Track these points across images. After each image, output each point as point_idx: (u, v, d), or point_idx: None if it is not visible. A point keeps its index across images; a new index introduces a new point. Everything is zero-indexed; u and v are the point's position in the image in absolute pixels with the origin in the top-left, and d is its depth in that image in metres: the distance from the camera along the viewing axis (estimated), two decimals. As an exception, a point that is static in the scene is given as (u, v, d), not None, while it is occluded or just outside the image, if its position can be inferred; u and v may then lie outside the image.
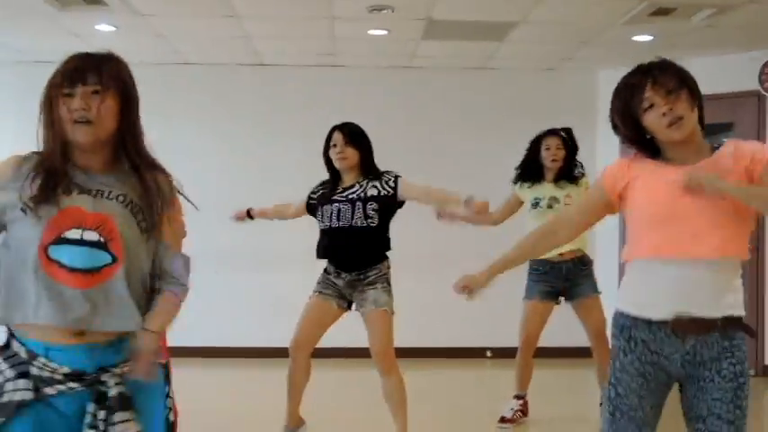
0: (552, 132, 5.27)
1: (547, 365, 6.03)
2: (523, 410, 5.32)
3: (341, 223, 4.30)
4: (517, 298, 7.35)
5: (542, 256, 4.83)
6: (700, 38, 6.43)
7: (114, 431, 2.00)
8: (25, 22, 6.23)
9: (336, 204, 4.36)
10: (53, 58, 8.26)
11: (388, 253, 4.43)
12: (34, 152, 2.14)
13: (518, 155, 7.55)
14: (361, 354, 4.84)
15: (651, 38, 6.48)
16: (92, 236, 2.01)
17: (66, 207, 2.01)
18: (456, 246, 6.87)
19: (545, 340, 5.48)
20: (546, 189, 5.17)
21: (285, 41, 6.91)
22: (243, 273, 7.50)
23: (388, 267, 4.41)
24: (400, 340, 4.60)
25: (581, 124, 7.61)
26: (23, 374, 1.99)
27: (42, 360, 1.99)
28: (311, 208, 4.54)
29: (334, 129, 4.46)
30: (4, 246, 2.07)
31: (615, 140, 8.01)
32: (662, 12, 5.76)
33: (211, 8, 5.80)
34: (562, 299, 5.27)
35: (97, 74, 2.10)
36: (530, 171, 5.25)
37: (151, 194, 2.12)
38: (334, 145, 4.41)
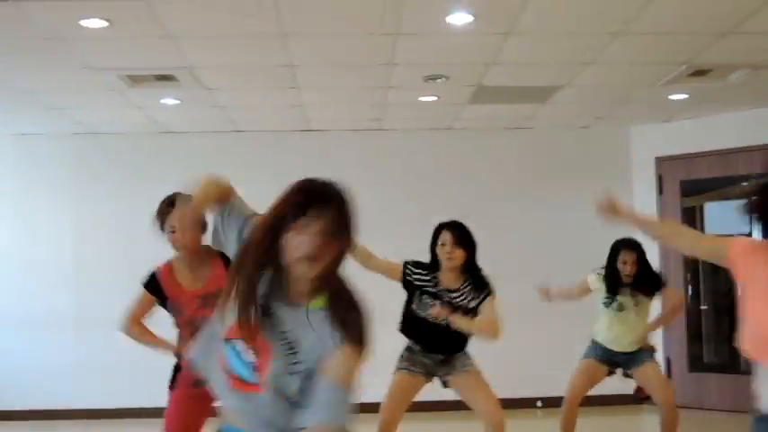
0: (629, 245, 5.35)
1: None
2: None
3: (441, 322, 4.39)
4: (566, 348, 7.57)
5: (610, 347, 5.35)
6: (733, 94, 6.71)
7: None
8: (93, 96, 6.54)
9: (441, 302, 4.43)
10: (110, 130, 8.67)
11: None
12: None
13: (554, 210, 7.86)
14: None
15: (686, 96, 6.77)
16: (249, 356, 2.12)
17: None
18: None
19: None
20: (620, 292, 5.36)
21: (336, 108, 7.20)
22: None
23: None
24: (452, 393, 4.76)
25: (615, 179, 7.92)
26: None
27: None
28: (407, 284, 4.59)
29: (442, 227, 4.52)
30: None
31: (651, 194, 8.30)
32: (699, 72, 6.06)
33: (276, 81, 6.12)
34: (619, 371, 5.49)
35: (335, 216, 2.06)
36: (611, 282, 5.38)
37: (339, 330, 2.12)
38: (443, 244, 4.45)
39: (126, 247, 7.86)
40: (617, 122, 7.89)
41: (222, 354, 2.11)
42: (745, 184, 7.88)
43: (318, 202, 2.04)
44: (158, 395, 7.39)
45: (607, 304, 5.38)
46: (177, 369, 3.97)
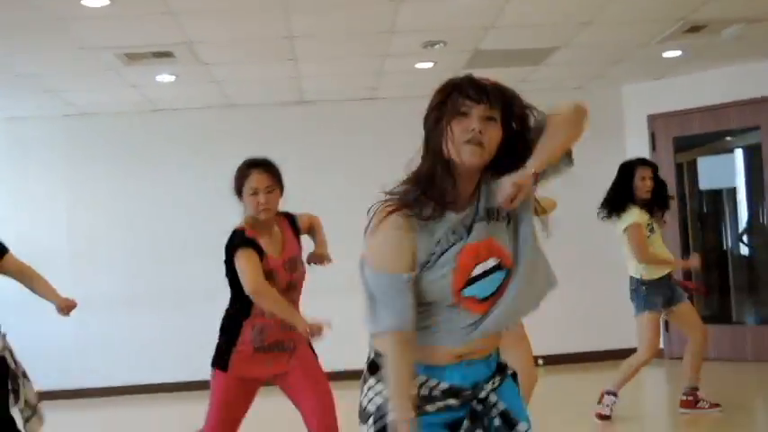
0: (644, 163, 5.52)
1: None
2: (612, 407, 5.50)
3: None
4: (566, 310, 7.67)
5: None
6: (726, 50, 6.74)
7: None
8: (88, 75, 6.50)
9: None
10: (101, 110, 8.61)
11: None
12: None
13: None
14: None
15: (680, 53, 6.81)
16: (491, 263, 2.04)
17: (462, 248, 2.03)
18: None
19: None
20: (642, 215, 5.37)
21: (333, 79, 7.18)
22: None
23: None
24: None
25: (609, 136, 7.98)
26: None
27: (422, 378, 2.05)
28: None
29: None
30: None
31: (644, 152, 8.34)
32: (694, 29, 6.08)
33: (274, 53, 6.12)
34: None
35: (491, 101, 2.01)
36: (623, 199, 5.42)
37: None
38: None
39: (122, 226, 7.90)
40: (609, 82, 7.91)
41: (455, 303, 2.02)
42: (732, 139, 8.01)
43: (471, 93, 2.00)
44: (156, 371, 7.60)
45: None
46: (224, 349, 3.70)
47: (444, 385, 2.06)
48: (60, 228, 7.87)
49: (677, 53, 6.82)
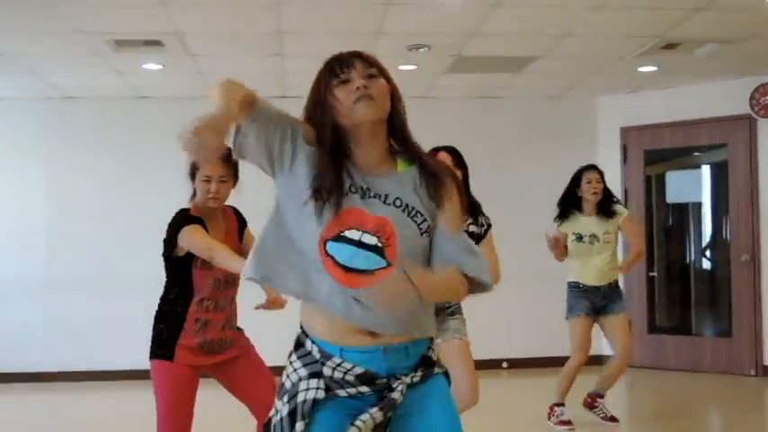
0: (592, 167, 5.65)
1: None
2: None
3: None
4: (528, 315, 7.81)
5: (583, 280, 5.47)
6: (699, 67, 6.91)
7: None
8: (74, 59, 6.47)
9: None
10: (85, 95, 8.54)
11: None
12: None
13: (523, 177, 8.00)
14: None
15: (655, 68, 6.95)
16: (370, 239, 1.98)
17: (349, 207, 2.00)
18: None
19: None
20: (586, 224, 5.50)
21: (314, 75, 7.17)
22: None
23: None
24: None
25: (582, 146, 8.11)
26: (315, 374, 2.00)
27: (336, 360, 1.99)
28: None
29: (440, 149, 4.32)
30: (275, 222, 2.07)
31: (616, 163, 8.44)
32: (669, 46, 6.23)
33: (262, 48, 6.13)
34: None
35: (367, 61, 2.08)
36: (568, 206, 5.57)
37: (438, 182, 2.09)
38: None
39: (101, 210, 7.87)
40: (585, 93, 8.03)
41: (320, 257, 1.98)
42: (700, 155, 8.17)
43: (345, 59, 2.09)
44: (126, 356, 7.57)
45: (578, 239, 5.48)
46: (166, 337, 3.54)
47: (358, 369, 1.99)
48: (38, 209, 7.83)
49: (652, 68, 6.96)
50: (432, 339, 2.14)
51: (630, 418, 5.80)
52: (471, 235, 4.22)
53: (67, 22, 5.42)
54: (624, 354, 5.47)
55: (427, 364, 2.08)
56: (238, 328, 3.67)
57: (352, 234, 1.98)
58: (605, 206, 5.54)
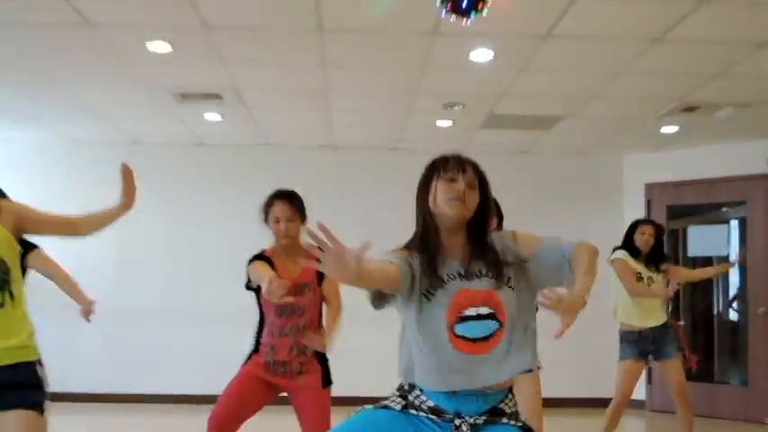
0: (646, 221, 5.71)
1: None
2: None
3: None
4: (565, 354, 7.76)
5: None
6: (718, 129, 6.96)
7: None
8: (144, 109, 6.74)
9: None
10: (153, 141, 8.79)
11: None
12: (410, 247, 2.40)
13: (550, 230, 8.02)
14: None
15: (677, 128, 7.02)
16: (485, 310, 2.30)
17: (457, 289, 2.31)
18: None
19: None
20: (642, 268, 5.51)
21: (361, 129, 7.41)
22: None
23: None
24: None
25: (608, 202, 8.19)
26: (403, 397, 2.36)
27: (417, 392, 2.35)
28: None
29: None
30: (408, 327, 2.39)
31: (639, 215, 8.42)
32: (689, 109, 6.31)
33: (311, 102, 6.35)
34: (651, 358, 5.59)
35: (471, 168, 2.43)
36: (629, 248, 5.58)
37: (499, 259, 2.38)
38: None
39: (164, 247, 8.11)
40: (611, 150, 8.11)
41: (445, 334, 2.28)
42: (725, 209, 8.16)
43: (449, 163, 2.41)
44: (188, 382, 7.75)
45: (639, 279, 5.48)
46: (250, 351, 3.91)
47: (430, 403, 2.32)
48: (110, 243, 8.09)
49: (674, 129, 7.02)
50: (509, 392, 2.38)
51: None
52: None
53: (139, 78, 5.70)
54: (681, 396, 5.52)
55: (496, 412, 2.32)
56: (324, 359, 3.85)
57: (470, 312, 2.30)
58: (654, 254, 5.54)
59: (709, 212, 8.31)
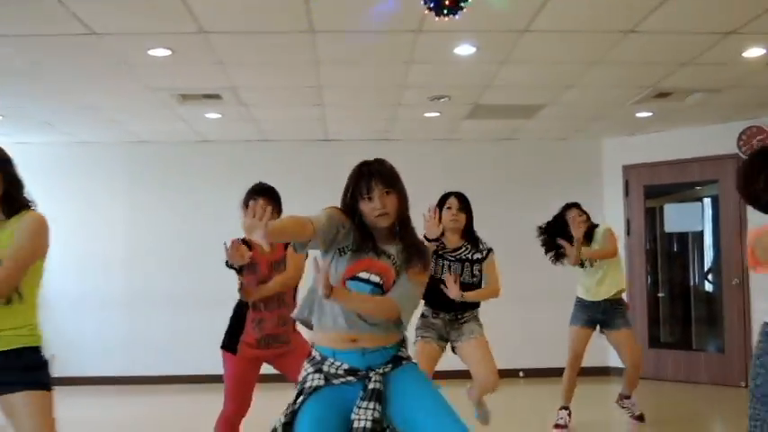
0: (574, 205, 5.77)
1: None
2: (566, 424, 5.72)
3: (461, 278, 4.40)
4: (541, 329, 7.86)
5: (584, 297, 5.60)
6: (690, 113, 6.99)
7: (366, 414, 2.58)
8: (147, 110, 6.74)
9: (447, 261, 4.42)
10: (156, 139, 8.80)
11: None
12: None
13: (534, 211, 8.07)
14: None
15: (651, 114, 7.04)
16: (375, 278, 2.72)
17: (365, 258, 2.71)
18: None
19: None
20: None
21: (352, 122, 7.42)
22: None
23: (478, 308, 4.56)
24: (449, 365, 4.78)
25: (588, 184, 8.22)
26: (318, 371, 2.68)
27: (330, 360, 2.68)
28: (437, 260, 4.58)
29: (449, 194, 4.58)
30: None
31: (618, 197, 8.50)
32: (662, 95, 6.32)
33: (305, 99, 6.35)
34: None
35: (386, 181, 2.75)
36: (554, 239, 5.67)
37: (411, 252, 2.80)
38: (449, 208, 4.49)
39: (168, 238, 8.15)
40: (590, 135, 8.13)
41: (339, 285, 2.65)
42: (698, 188, 8.21)
43: (368, 182, 2.71)
44: (191, 364, 7.81)
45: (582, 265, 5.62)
46: (234, 334, 4.03)
47: (345, 366, 2.66)
48: (118, 235, 8.16)
49: (648, 114, 7.04)
50: (402, 343, 2.81)
51: (632, 425, 5.86)
52: (476, 261, 4.47)
53: (141, 81, 5.69)
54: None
55: (396, 359, 2.75)
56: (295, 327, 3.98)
57: (362, 275, 2.71)
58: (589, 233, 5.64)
59: (683, 191, 8.36)
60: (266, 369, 4.19)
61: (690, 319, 8.61)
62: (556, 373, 7.87)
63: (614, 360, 7.90)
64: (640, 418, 5.76)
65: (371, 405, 2.57)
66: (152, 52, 4.95)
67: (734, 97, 6.42)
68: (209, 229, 7.97)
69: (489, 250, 4.56)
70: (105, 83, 5.77)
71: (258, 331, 3.96)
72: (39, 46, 4.81)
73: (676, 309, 8.65)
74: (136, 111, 6.76)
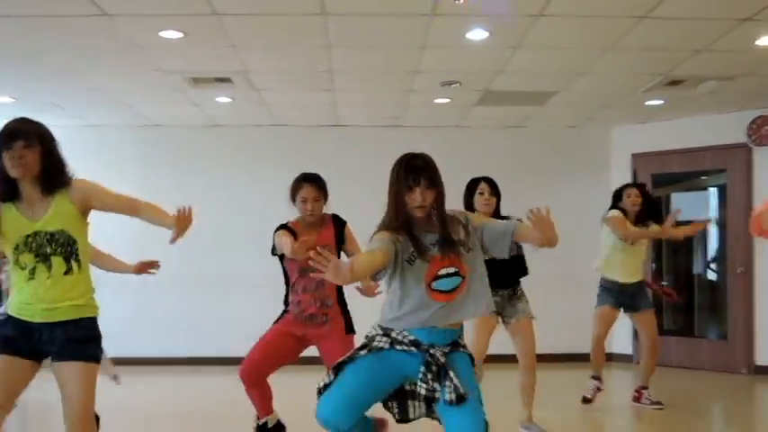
0: (635, 185, 5.75)
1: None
2: (599, 387, 5.74)
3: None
4: (558, 315, 7.72)
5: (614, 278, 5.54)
6: (701, 101, 6.85)
7: (427, 383, 2.81)
8: (158, 94, 6.65)
9: None
10: (168, 123, 8.71)
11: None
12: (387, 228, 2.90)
13: (543, 197, 7.94)
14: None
15: (662, 102, 6.91)
16: (452, 269, 2.87)
17: (433, 256, 2.86)
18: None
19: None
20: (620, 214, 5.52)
21: (363, 107, 7.32)
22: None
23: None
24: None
25: (597, 172, 8.10)
26: (387, 335, 2.90)
27: (398, 330, 2.90)
28: None
29: (480, 180, 4.72)
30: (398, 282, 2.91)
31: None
32: (674, 83, 6.20)
33: (316, 83, 6.25)
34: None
35: (429, 177, 2.88)
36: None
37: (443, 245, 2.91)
38: (482, 193, 4.67)
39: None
40: (600, 123, 8.00)
41: (424, 290, 2.84)
42: (704, 178, 8.06)
43: (409, 176, 2.87)
44: (199, 346, 7.76)
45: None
46: (282, 313, 4.20)
47: (411, 337, 2.87)
48: (127, 220, 8.04)
49: (659, 102, 6.92)
50: (461, 329, 3.00)
51: (635, 410, 5.77)
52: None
53: (153, 64, 5.61)
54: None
55: (455, 344, 2.94)
56: (345, 310, 4.14)
57: (442, 272, 2.87)
58: (648, 211, 5.60)
59: (690, 180, 8.22)
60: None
61: (693, 306, 8.50)
62: (571, 358, 7.85)
63: (617, 347, 7.85)
64: (659, 403, 5.68)
65: (432, 377, 2.80)
66: (164, 34, 4.87)
67: (746, 86, 6.29)
68: (219, 212, 7.93)
69: (517, 221, 4.52)
70: (116, 65, 5.69)
71: (298, 310, 4.07)
72: (50, 26, 4.73)
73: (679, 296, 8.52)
74: (147, 94, 6.67)
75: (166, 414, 5.87)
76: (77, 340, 2.94)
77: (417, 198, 2.83)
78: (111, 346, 7.68)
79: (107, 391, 6.72)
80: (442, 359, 2.83)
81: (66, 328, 2.93)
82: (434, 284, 2.85)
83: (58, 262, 2.94)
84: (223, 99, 6.81)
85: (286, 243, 3.77)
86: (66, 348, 2.91)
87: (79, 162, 8.43)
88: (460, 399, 2.74)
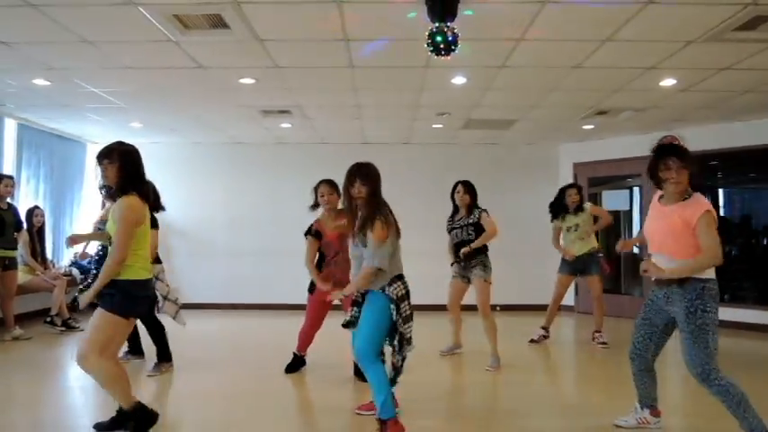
0: (572, 185, 5.72)
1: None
2: (545, 336, 5.70)
3: (461, 238, 4.68)
4: (516, 275, 7.75)
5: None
6: (622, 125, 6.83)
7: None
8: (240, 121, 6.76)
9: (455, 228, 4.76)
10: (248, 141, 8.76)
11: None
12: None
13: (510, 197, 8.00)
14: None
15: (593, 126, 6.90)
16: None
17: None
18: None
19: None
20: (571, 219, 5.58)
21: (382, 130, 7.35)
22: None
23: (486, 256, 4.71)
24: (441, 299, 4.94)
25: (548, 176, 8.10)
26: (404, 284, 3.21)
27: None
28: (449, 228, 4.86)
29: (459, 182, 4.79)
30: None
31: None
32: (601, 113, 6.21)
33: (349, 114, 6.32)
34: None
35: (360, 178, 3.17)
36: (558, 209, 5.64)
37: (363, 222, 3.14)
38: (458, 192, 4.77)
39: (255, 212, 8.14)
40: (550, 141, 7.98)
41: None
42: (629, 180, 8.05)
43: (351, 178, 3.13)
44: (270, 294, 7.93)
45: (569, 229, 5.57)
46: (312, 283, 4.24)
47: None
48: (218, 210, 8.22)
49: (592, 126, 6.90)
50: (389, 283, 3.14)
51: (578, 346, 5.78)
52: (469, 224, 4.62)
53: (235, 101, 5.72)
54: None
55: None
56: None
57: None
58: (579, 207, 5.60)
59: (616, 182, 8.23)
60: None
61: (620, 272, 8.49)
62: (524, 308, 7.95)
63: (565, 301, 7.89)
64: (605, 344, 5.55)
65: (355, 309, 3.26)
66: (242, 80, 4.97)
67: (654, 114, 6.28)
68: (283, 205, 8.08)
69: (481, 212, 4.68)
70: (211, 102, 5.81)
71: (330, 278, 4.08)
72: (164, 76, 4.87)
73: (612, 267, 8.49)
74: (232, 121, 6.79)
75: (248, 345, 5.95)
76: (106, 293, 2.82)
77: (353, 192, 3.12)
78: (207, 295, 8.02)
79: (209, 327, 6.85)
80: (360, 299, 3.19)
81: (116, 284, 2.85)
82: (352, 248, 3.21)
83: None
84: (285, 125, 6.89)
85: (313, 271, 4.09)
86: (106, 297, 2.85)
87: (184, 167, 8.64)
88: (344, 324, 3.18)
